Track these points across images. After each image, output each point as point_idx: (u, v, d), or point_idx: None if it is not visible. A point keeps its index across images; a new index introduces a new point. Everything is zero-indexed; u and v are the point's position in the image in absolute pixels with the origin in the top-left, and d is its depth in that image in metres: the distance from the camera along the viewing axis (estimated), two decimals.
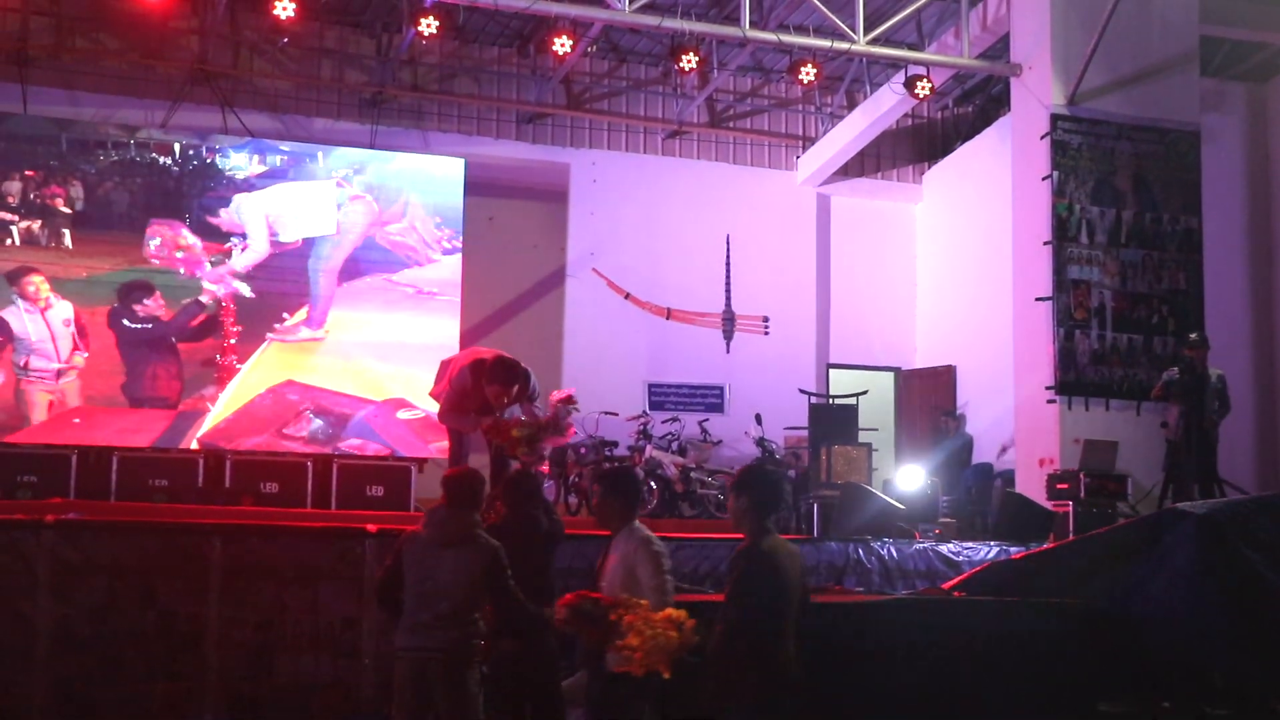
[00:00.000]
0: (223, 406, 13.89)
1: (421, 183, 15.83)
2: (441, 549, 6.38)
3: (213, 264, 14.07)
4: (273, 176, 14.68)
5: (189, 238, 13.69)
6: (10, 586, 7.69)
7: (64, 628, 7.73)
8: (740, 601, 5.70)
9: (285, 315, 14.53)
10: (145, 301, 13.34)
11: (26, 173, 12.51)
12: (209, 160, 13.71)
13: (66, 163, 12.80)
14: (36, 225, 12.61)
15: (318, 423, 13.94)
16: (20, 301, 12.88)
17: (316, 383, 14.22)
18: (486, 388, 8.81)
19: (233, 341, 13.82)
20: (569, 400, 8.87)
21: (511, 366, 8.99)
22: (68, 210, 12.80)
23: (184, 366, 13.57)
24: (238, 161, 14.05)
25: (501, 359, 9.12)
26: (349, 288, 15.09)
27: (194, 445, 13.78)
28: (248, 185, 14.29)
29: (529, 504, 7.31)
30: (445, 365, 9.53)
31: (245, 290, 14.20)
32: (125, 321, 13.52)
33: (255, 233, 14.03)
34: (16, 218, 12.41)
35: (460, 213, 16.00)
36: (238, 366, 13.96)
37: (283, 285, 14.33)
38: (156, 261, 13.51)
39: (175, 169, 13.37)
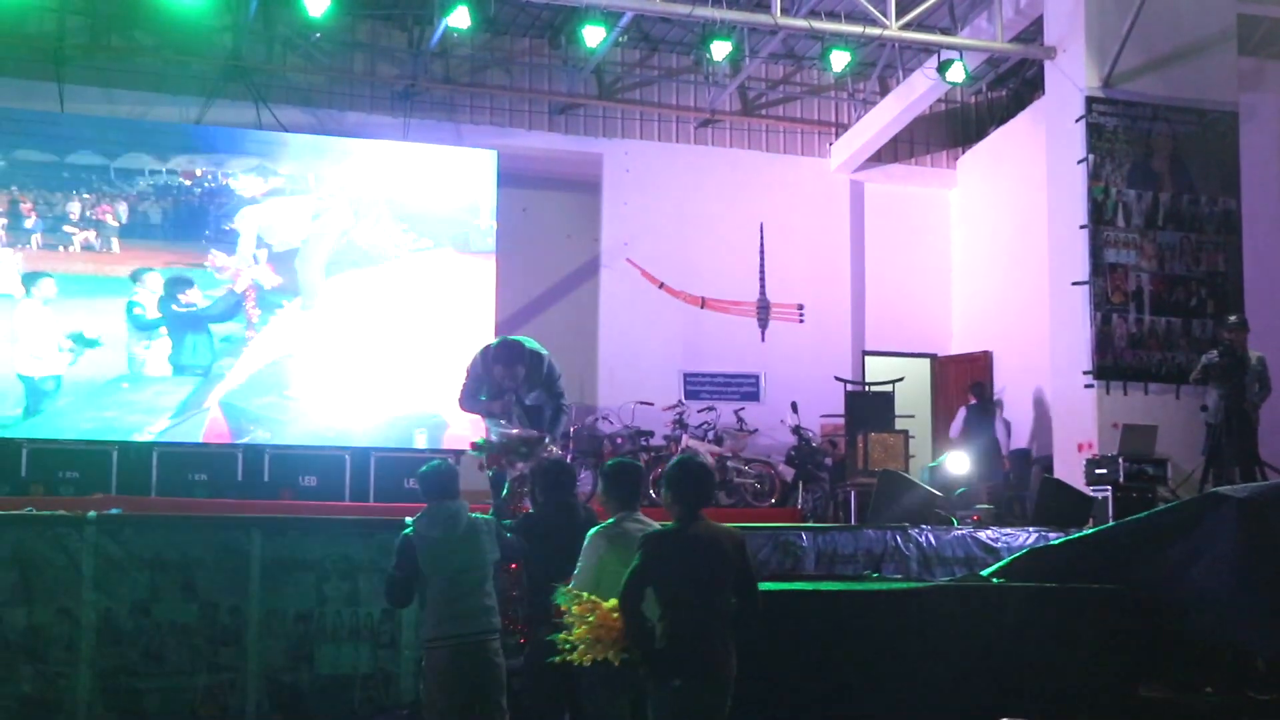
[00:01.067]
0: (238, 372, 15.07)
1: (439, 186, 16.12)
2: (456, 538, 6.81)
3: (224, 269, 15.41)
4: (273, 193, 15.69)
5: (205, 255, 15.36)
6: (54, 581, 7.77)
7: (107, 621, 7.80)
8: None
9: (284, 302, 15.43)
10: (187, 292, 15.09)
11: (84, 195, 14.95)
12: (224, 182, 15.47)
13: (114, 187, 15.06)
14: (92, 235, 14.93)
15: (318, 386, 15.30)
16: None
17: (314, 354, 15.38)
18: (493, 369, 8.83)
19: (255, 322, 15.24)
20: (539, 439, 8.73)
21: (513, 346, 9.04)
22: (115, 224, 15.01)
23: (215, 341, 15.13)
24: (245, 181, 15.52)
25: (505, 340, 9.26)
26: (335, 280, 15.74)
27: (215, 405, 14.86)
28: (252, 200, 15.58)
29: (564, 494, 7.36)
30: None
31: (259, 281, 15.39)
32: (173, 307, 15.00)
33: (248, 238, 15.54)
34: (76, 230, 14.89)
35: (474, 212, 16.09)
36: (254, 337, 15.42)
37: (282, 278, 15.50)
38: (185, 264, 15.30)
39: (197, 190, 15.41)
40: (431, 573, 6.70)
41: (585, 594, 5.97)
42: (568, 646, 5.86)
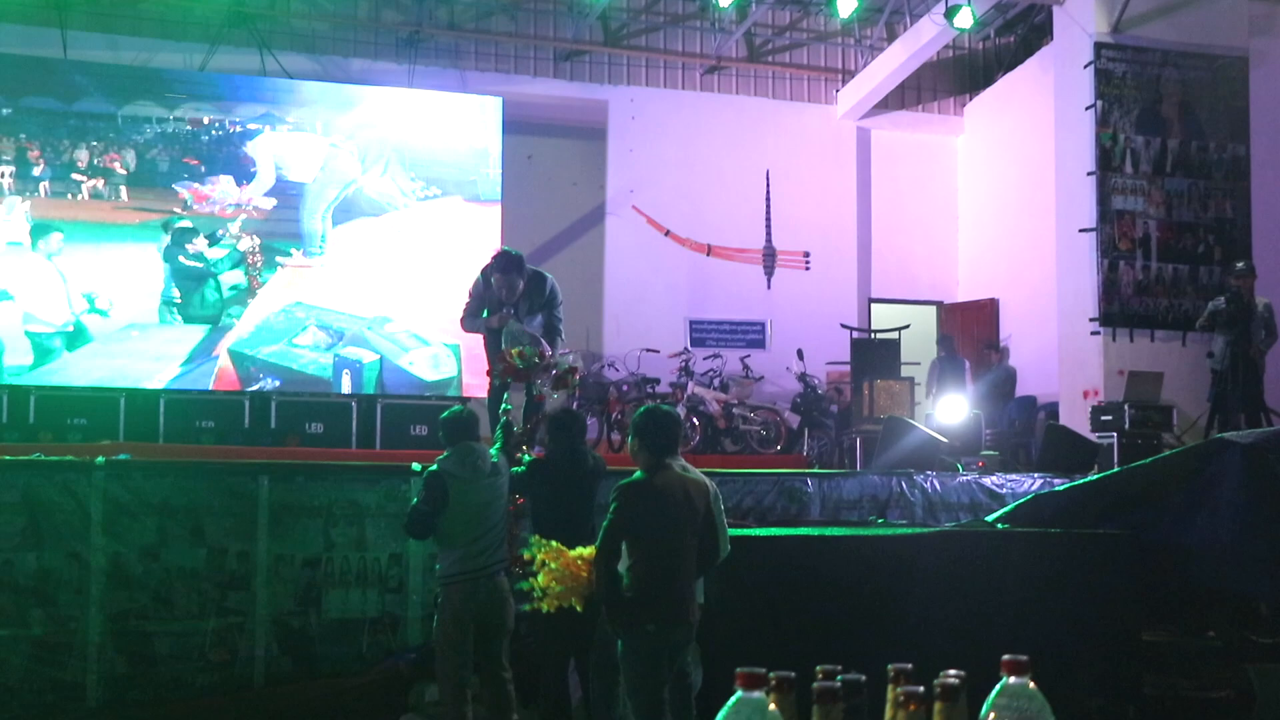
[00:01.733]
0: (246, 321, 15.19)
1: (444, 133, 16.12)
2: (485, 478, 6.98)
3: (236, 205, 15.38)
4: (291, 131, 15.72)
5: (212, 187, 15.42)
6: (64, 526, 7.81)
7: (116, 565, 7.86)
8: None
9: (292, 250, 15.52)
10: (194, 241, 15.15)
11: (92, 143, 14.96)
12: (232, 130, 15.47)
13: (122, 135, 15.08)
14: (100, 184, 14.96)
15: (320, 334, 15.37)
16: None
17: (319, 302, 15.47)
18: (493, 277, 8.70)
19: (258, 274, 15.33)
20: (572, 372, 8.74)
21: (512, 256, 8.89)
22: (123, 172, 15.04)
23: (223, 290, 15.26)
24: (253, 130, 15.52)
25: (505, 250, 9.13)
26: (342, 229, 15.78)
27: (224, 353, 14.97)
28: (259, 131, 15.60)
29: (574, 440, 7.42)
30: None
31: (263, 227, 15.45)
32: (180, 258, 15.07)
33: (264, 168, 15.61)
34: (85, 178, 14.90)
35: (480, 159, 16.06)
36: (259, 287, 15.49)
37: (290, 225, 15.60)
38: (192, 209, 15.29)
39: (204, 137, 15.44)
40: (457, 511, 6.82)
41: (552, 542, 6.13)
42: (536, 595, 5.98)
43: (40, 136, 14.81)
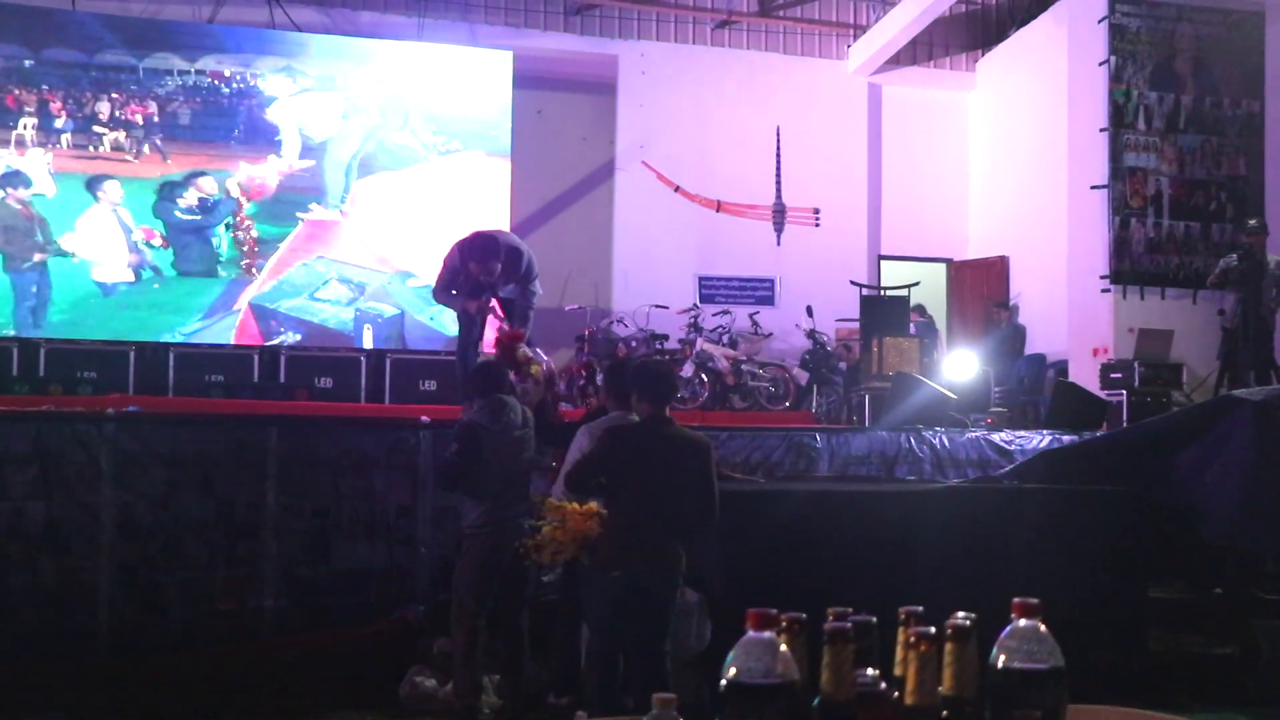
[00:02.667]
0: (266, 274, 15.35)
1: (455, 87, 16.17)
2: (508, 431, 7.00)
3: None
4: (302, 93, 15.79)
5: (241, 160, 15.58)
6: (74, 477, 7.83)
7: (126, 516, 7.88)
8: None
9: (311, 206, 15.67)
10: (184, 195, 15.33)
11: (113, 95, 15.07)
12: (253, 83, 15.57)
13: (143, 87, 15.19)
14: (121, 136, 15.09)
15: (342, 288, 15.55)
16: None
17: (341, 256, 15.68)
18: (470, 265, 8.77)
19: (252, 235, 15.46)
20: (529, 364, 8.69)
21: (488, 243, 8.92)
22: (144, 125, 15.19)
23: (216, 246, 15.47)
24: (274, 82, 15.63)
25: (480, 234, 9.12)
26: (383, 182, 15.92)
27: (244, 306, 15.24)
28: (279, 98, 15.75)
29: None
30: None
31: (282, 181, 15.59)
32: (175, 213, 15.24)
33: (289, 134, 15.71)
34: (107, 130, 15.03)
35: (490, 113, 16.08)
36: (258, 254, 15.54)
37: (309, 179, 15.72)
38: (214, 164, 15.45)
39: (226, 90, 15.53)
40: (488, 462, 6.85)
41: (559, 501, 6.23)
42: (538, 545, 6.05)
43: (62, 88, 14.90)
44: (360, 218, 15.66)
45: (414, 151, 15.79)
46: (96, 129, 14.93)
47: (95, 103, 14.94)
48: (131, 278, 14.92)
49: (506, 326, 8.77)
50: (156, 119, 15.14)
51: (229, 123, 15.46)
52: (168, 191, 15.15)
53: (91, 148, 14.88)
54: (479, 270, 8.71)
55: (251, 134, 15.52)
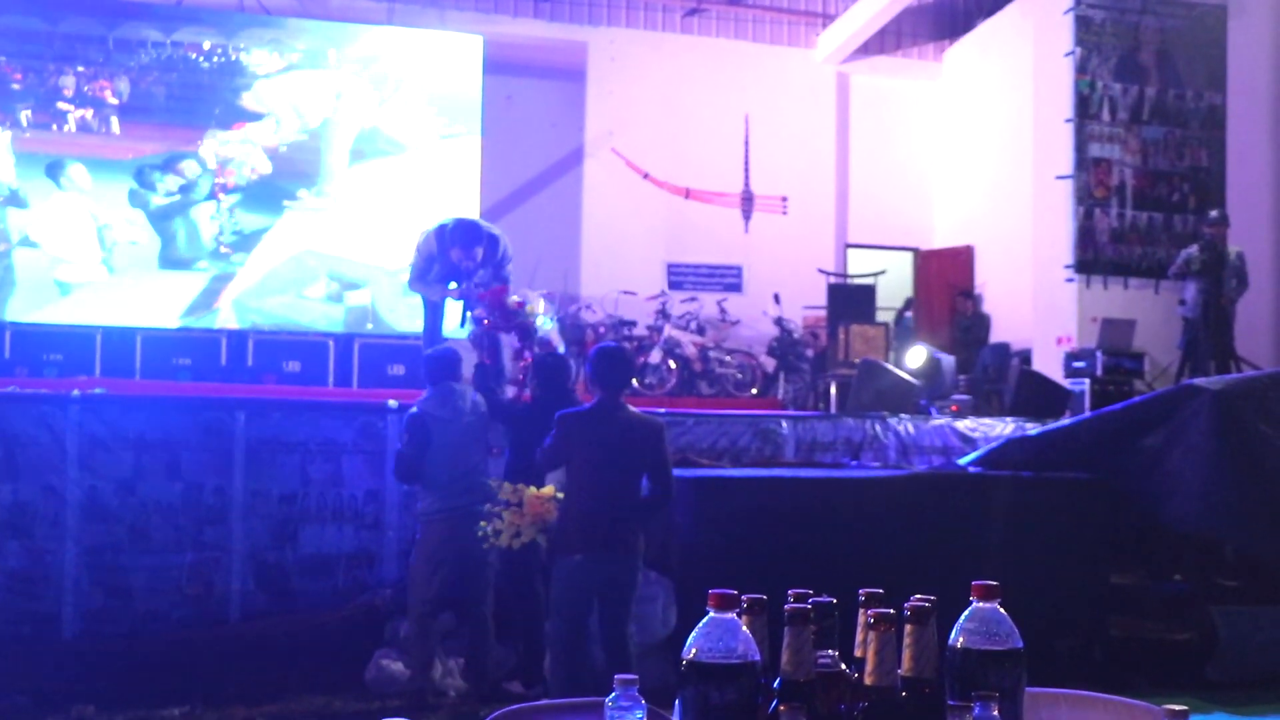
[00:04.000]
0: (250, 269, 14.74)
1: (426, 72, 15.95)
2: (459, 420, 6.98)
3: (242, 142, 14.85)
4: (289, 69, 15.13)
5: (223, 136, 14.70)
6: (39, 459, 7.79)
7: (92, 499, 7.86)
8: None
9: (300, 192, 15.11)
10: (164, 180, 14.43)
11: (79, 68, 13.78)
12: (234, 58, 14.54)
13: (113, 60, 13.98)
14: (89, 114, 13.88)
15: (333, 285, 14.96)
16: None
17: (331, 250, 15.09)
18: (450, 252, 8.65)
19: (230, 213, 14.77)
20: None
21: (471, 227, 8.81)
22: (115, 102, 14.00)
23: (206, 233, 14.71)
24: (259, 57, 14.72)
25: (461, 220, 8.97)
26: (356, 169, 15.51)
27: (227, 306, 14.64)
28: (268, 75, 14.89)
29: (564, 384, 7.47)
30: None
31: (265, 166, 14.91)
32: (153, 200, 14.52)
33: (282, 112, 14.99)
34: (71, 108, 13.73)
35: (460, 99, 16.00)
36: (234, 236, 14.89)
37: (297, 164, 15.05)
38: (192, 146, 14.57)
39: (206, 64, 14.45)
40: (438, 450, 6.91)
41: (516, 484, 6.30)
42: (495, 531, 6.12)
43: (21, 59, 13.69)
44: (351, 207, 15.06)
45: (390, 139, 15.60)
46: (60, 106, 13.80)
47: (59, 76, 13.73)
48: (103, 275, 14.16)
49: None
50: (128, 96, 14.02)
51: (208, 101, 14.38)
52: (144, 177, 14.17)
53: (55, 127, 13.82)
54: (460, 256, 8.62)
55: (233, 115, 14.62)
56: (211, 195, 14.65)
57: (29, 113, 13.62)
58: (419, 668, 6.99)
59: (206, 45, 14.46)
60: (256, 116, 14.84)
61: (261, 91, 14.79)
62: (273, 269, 14.80)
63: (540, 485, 6.33)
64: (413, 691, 7.04)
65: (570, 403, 7.38)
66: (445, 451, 6.93)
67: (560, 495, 6.12)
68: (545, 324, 8.75)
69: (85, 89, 13.92)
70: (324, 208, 15.13)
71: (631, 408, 6.25)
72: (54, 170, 14.01)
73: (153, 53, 14.16)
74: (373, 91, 15.65)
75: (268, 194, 14.89)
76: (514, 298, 7.96)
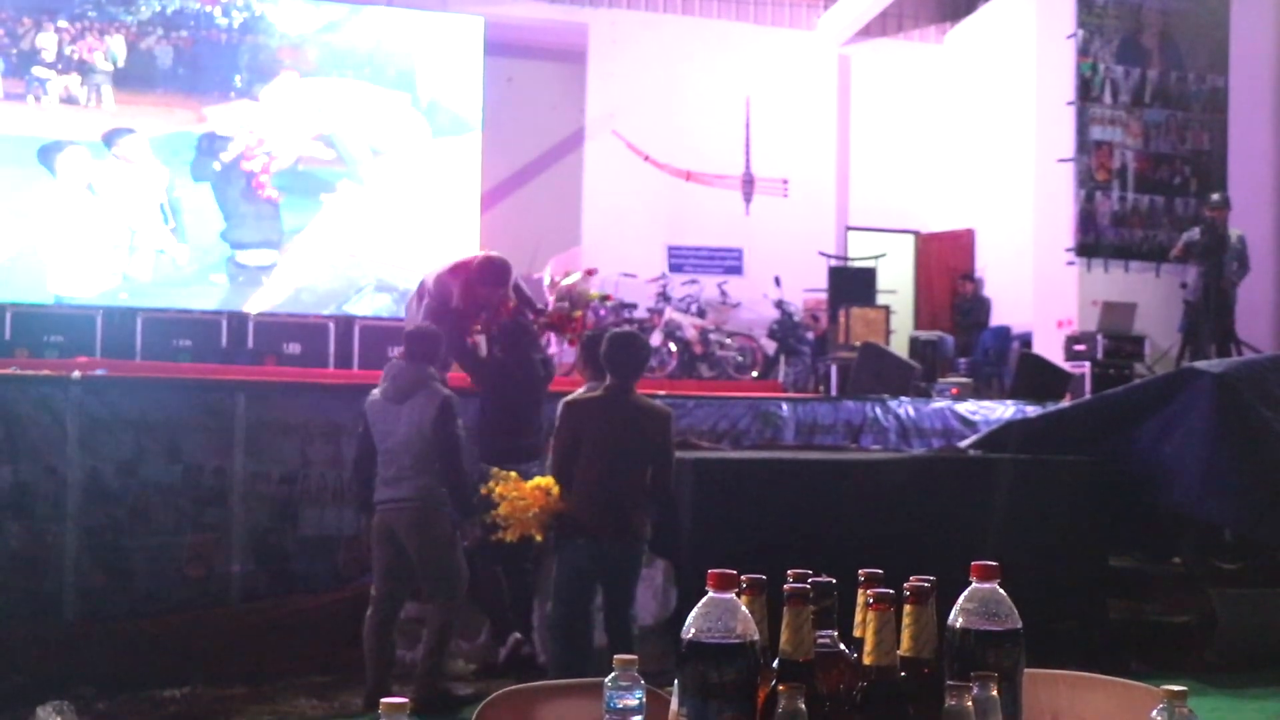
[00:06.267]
0: (276, 284, 14.13)
1: (397, 55, 15.46)
2: (397, 404, 6.59)
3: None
4: (328, 28, 13.63)
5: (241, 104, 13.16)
6: (40, 440, 7.79)
7: (93, 480, 7.86)
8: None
9: (338, 184, 14.63)
10: (226, 149, 12.97)
11: (60, 24, 11.20)
12: (259, 14, 12.34)
13: (104, 13, 11.45)
14: (74, 82, 11.50)
15: (384, 298, 13.93)
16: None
17: (378, 252, 14.18)
18: (480, 290, 8.13)
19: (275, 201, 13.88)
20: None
21: (502, 266, 8.30)
22: (107, 67, 11.67)
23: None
24: (288, 10, 12.64)
25: (489, 259, 8.41)
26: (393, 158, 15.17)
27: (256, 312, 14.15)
28: (299, 44, 13.36)
29: (528, 349, 7.53)
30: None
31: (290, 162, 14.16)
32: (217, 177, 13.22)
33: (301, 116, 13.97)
34: (52, 75, 11.20)
35: (461, 80, 15.93)
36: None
37: (333, 151, 14.45)
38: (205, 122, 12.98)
39: (224, 20, 12.12)
40: (374, 434, 6.68)
41: (511, 474, 6.18)
42: (500, 525, 6.06)
43: None
44: (395, 204, 14.07)
45: (390, 120, 15.52)
46: (38, 72, 11.40)
47: (36, 34, 11.16)
48: (112, 283, 12.96)
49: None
50: (123, 60, 11.61)
51: (227, 66, 12.16)
52: (205, 145, 12.12)
53: (33, 98, 11.44)
54: (491, 294, 8.12)
55: (259, 80, 12.54)
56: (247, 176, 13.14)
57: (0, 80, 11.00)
58: (371, 665, 6.75)
59: None
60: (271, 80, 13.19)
61: (296, 53, 13.04)
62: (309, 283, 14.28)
63: (541, 469, 6.32)
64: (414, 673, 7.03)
65: (529, 366, 7.45)
66: (379, 438, 6.71)
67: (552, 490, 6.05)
68: (592, 296, 8.77)
69: (68, 51, 11.41)
70: (374, 202, 14.65)
71: (641, 395, 6.25)
72: (46, 156, 12.12)
73: (156, 4, 11.78)
74: (374, 74, 15.55)
75: (304, 183, 14.05)
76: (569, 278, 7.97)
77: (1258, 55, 15.70)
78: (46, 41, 11.15)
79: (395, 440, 6.53)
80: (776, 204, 17.81)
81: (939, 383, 12.26)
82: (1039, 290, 14.61)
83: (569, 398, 6.22)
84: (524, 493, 6.05)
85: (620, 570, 6.05)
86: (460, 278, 8.30)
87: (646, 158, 17.33)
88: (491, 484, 6.20)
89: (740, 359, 15.12)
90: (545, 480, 6.10)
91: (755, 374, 14.99)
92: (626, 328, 13.99)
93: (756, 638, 1.91)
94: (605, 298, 8.70)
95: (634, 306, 15.46)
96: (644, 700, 1.94)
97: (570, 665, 5.89)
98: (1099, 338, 12.81)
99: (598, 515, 5.96)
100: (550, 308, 8.56)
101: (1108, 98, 13.93)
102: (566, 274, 13.50)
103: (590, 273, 14.10)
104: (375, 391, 6.79)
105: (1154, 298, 13.60)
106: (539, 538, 6.18)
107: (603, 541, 5.97)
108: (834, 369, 13.86)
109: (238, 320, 13.95)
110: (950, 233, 17.99)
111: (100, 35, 11.26)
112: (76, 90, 11.26)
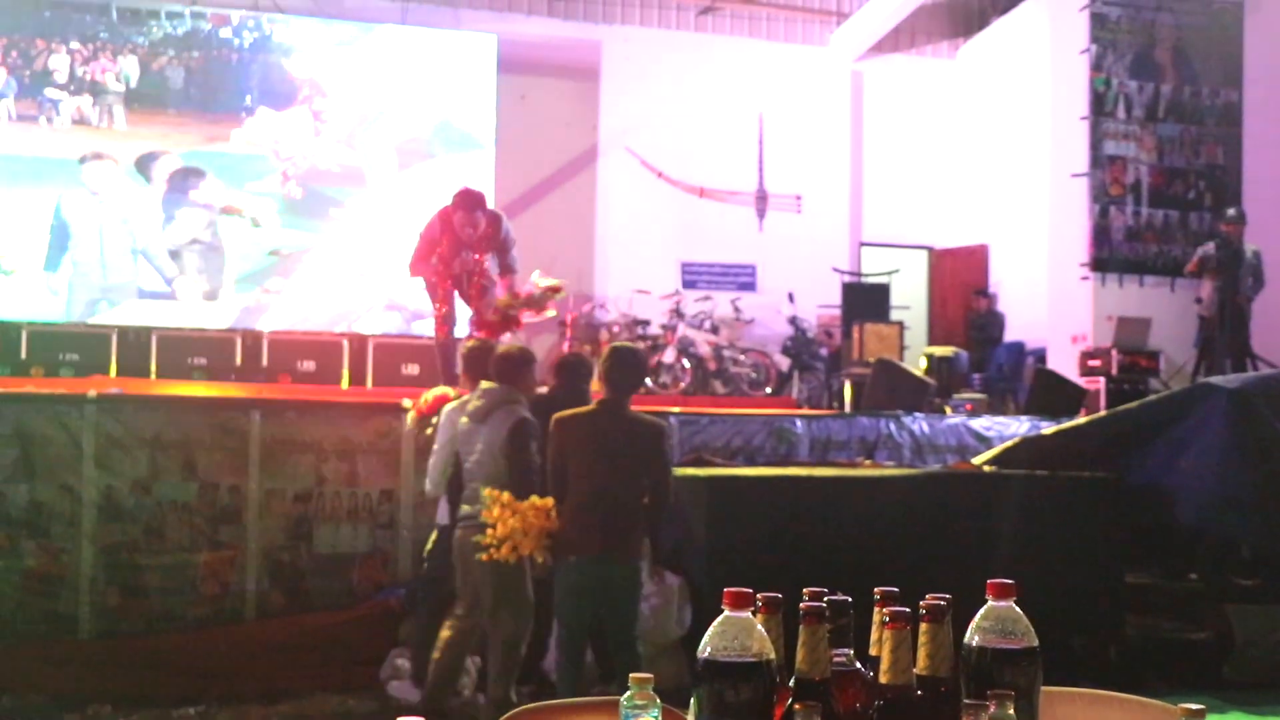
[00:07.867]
0: (280, 309, 14.07)
1: (410, 74, 15.47)
2: (479, 424, 6.53)
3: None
4: (341, 44, 13.67)
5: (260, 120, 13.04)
6: (56, 459, 7.82)
7: (108, 498, 7.89)
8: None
9: (346, 200, 14.63)
10: (199, 186, 12.82)
11: (74, 45, 11.30)
12: (269, 33, 12.39)
13: (116, 34, 11.50)
14: (86, 103, 11.56)
15: (395, 316, 13.91)
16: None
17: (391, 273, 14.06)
18: (453, 217, 8.88)
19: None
20: (555, 290, 9.01)
21: (473, 193, 9.05)
22: (120, 87, 11.71)
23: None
24: (300, 32, 12.77)
25: (464, 188, 9.18)
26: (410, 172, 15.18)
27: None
28: (310, 64, 13.46)
29: (581, 382, 7.42)
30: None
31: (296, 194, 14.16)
32: (183, 207, 13.20)
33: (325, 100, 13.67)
34: (65, 96, 11.30)
35: (474, 98, 15.94)
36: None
37: (342, 167, 14.49)
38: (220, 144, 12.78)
39: (235, 40, 12.12)
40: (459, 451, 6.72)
41: (505, 494, 6.06)
42: (494, 545, 5.98)
43: (4, 34, 11.19)
44: (406, 215, 13.89)
45: (405, 137, 15.54)
46: (51, 93, 11.47)
47: (48, 56, 11.26)
48: (125, 300, 12.79)
49: (497, 293, 8.93)
50: (135, 81, 11.65)
51: (238, 85, 12.14)
52: (177, 180, 12.07)
53: (45, 119, 11.55)
54: (464, 221, 8.80)
55: (270, 100, 12.58)
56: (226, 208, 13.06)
57: (11, 101, 11.26)
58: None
59: (235, 18, 11.95)
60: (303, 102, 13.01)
61: (305, 65, 12.96)
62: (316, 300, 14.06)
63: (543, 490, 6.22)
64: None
65: (582, 399, 7.35)
66: (461, 456, 6.74)
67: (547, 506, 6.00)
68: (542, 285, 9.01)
69: (81, 72, 11.47)
70: (385, 216, 14.68)
71: (634, 409, 6.20)
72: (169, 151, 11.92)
73: (169, 25, 11.79)
74: (386, 92, 15.61)
75: (312, 202, 13.97)
76: (528, 290, 8.11)
77: (1271, 69, 15.65)
78: (59, 63, 11.28)
79: (474, 460, 6.51)
80: (790, 220, 17.81)
81: (953, 399, 12.24)
82: (1053, 306, 14.58)
83: (559, 414, 6.16)
84: (523, 512, 5.98)
85: (615, 589, 5.96)
86: (441, 215, 9.01)
87: (660, 174, 17.35)
88: (489, 504, 6.12)
89: (754, 375, 15.11)
90: (545, 501, 5.99)
91: (769, 390, 14.99)
92: (628, 341, 14.07)
93: (772, 656, 1.91)
94: (555, 289, 8.83)
95: (648, 323, 15.48)
96: (660, 719, 1.94)
97: (574, 685, 5.87)
98: (1114, 353, 12.78)
99: (588, 534, 5.89)
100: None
101: (1121, 112, 13.91)
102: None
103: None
104: (464, 410, 6.75)
105: (1169, 313, 13.56)
106: (540, 559, 6.06)
107: (595, 560, 5.91)
108: (848, 385, 13.85)
109: (252, 338, 13.98)
110: (964, 248, 17.97)
111: (113, 56, 11.39)
112: (89, 111, 11.37)
